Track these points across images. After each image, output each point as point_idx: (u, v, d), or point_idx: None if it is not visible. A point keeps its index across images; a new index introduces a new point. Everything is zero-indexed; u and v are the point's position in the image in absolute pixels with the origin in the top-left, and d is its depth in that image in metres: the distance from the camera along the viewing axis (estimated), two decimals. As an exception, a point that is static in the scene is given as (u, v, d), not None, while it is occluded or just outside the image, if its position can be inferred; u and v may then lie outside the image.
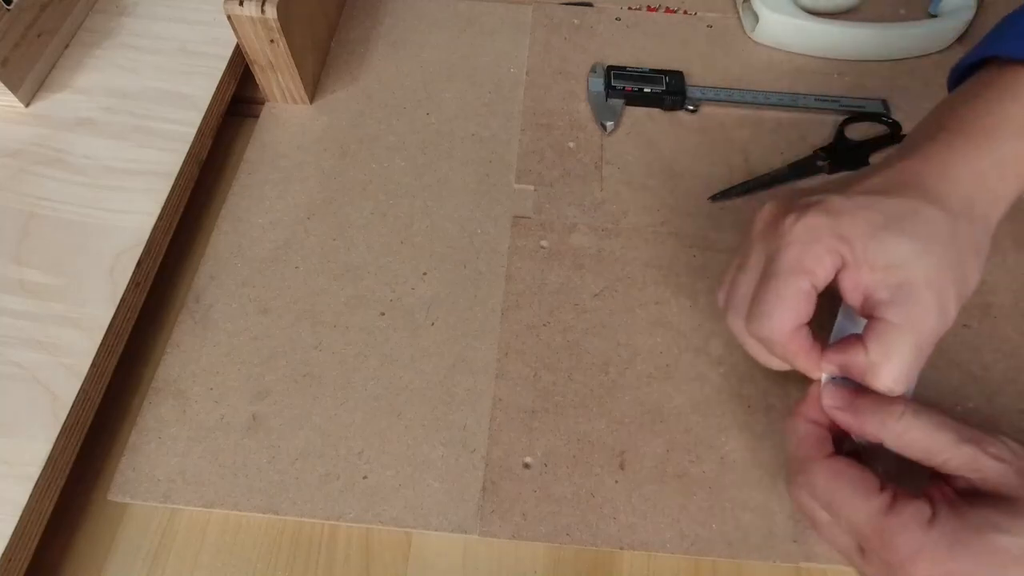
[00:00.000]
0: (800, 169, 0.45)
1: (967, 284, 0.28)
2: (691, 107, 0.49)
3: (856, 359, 0.28)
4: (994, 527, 0.24)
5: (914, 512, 0.25)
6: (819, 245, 0.27)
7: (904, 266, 0.27)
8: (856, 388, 0.28)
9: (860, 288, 0.28)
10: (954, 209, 0.28)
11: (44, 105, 0.44)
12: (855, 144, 0.47)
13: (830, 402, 0.28)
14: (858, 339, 0.28)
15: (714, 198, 0.44)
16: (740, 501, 0.35)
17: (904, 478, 0.27)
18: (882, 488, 0.26)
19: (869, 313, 0.28)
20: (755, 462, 0.36)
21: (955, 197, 0.28)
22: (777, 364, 0.31)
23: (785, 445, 0.29)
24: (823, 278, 0.28)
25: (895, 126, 0.47)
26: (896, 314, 0.27)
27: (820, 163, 0.46)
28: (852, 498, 0.26)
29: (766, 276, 0.29)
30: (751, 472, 0.35)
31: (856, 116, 0.48)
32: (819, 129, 0.48)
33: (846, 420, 0.28)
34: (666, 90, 0.49)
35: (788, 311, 0.28)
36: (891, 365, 0.27)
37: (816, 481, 0.27)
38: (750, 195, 0.45)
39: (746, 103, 0.49)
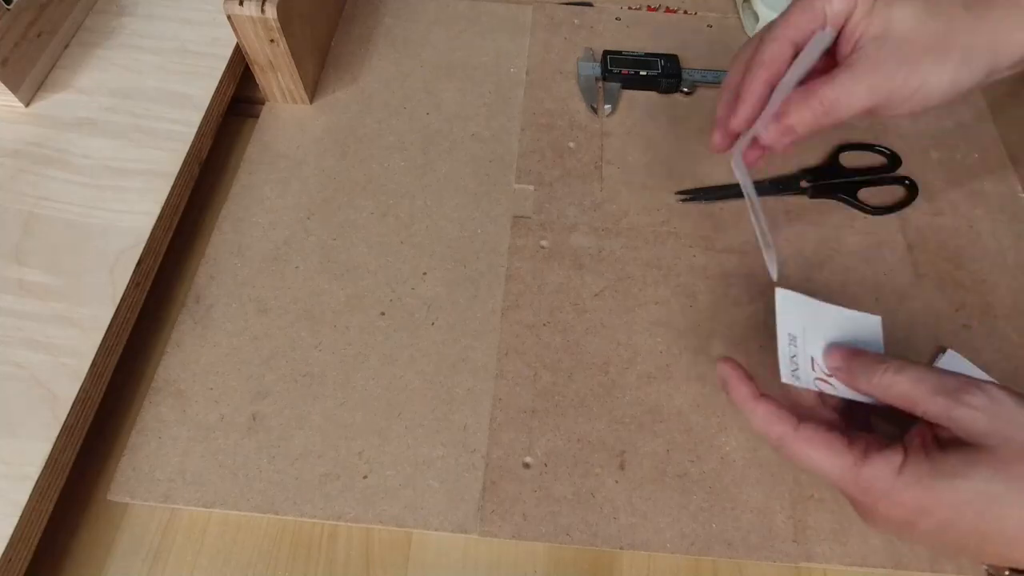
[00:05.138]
0: (781, 185, 0.45)
1: (926, 84, 0.31)
2: (686, 89, 0.49)
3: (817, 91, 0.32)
4: (954, 473, 0.26)
5: (885, 461, 0.27)
6: None
7: (894, 26, 0.31)
8: (850, 352, 0.31)
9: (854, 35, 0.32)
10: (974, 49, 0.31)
11: (44, 105, 0.44)
12: (847, 171, 0.45)
13: (831, 363, 0.31)
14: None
15: (682, 196, 0.44)
16: (740, 501, 0.35)
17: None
18: (850, 444, 0.28)
19: (847, 55, 0.32)
20: (755, 462, 0.36)
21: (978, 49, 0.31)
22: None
23: (752, 427, 0.31)
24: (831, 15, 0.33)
25: (895, 158, 0.46)
26: (860, 59, 0.31)
27: (804, 184, 0.45)
28: (824, 460, 0.28)
29: None
30: (751, 472, 0.36)
31: (855, 145, 0.46)
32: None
33: (842, 378, 0.31)
34: (662, 73, 0.49)
35: (786, 26, 0.33)
36: (832, 91, 0.31)
37: (793, 454, 0.29)
38: (722, 201, 0.44)
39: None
